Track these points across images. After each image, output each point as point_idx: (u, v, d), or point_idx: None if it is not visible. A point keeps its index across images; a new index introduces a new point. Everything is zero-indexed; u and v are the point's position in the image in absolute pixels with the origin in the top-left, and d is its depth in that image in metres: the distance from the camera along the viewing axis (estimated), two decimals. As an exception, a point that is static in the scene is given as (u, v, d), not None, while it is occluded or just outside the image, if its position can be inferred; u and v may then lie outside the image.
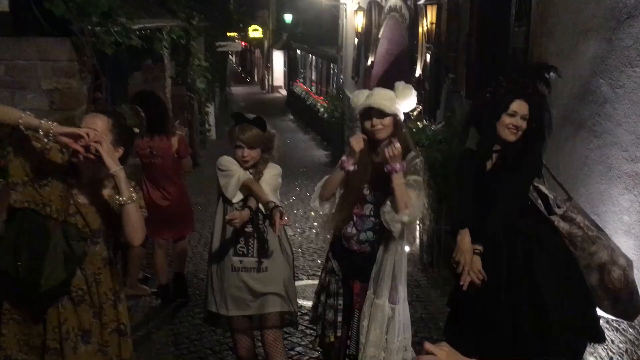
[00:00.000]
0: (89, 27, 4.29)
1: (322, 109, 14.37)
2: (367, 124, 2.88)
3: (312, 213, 7.52)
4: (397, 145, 2.71)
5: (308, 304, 4.16)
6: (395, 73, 8.33)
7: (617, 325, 3.17)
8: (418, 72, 7.06)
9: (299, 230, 7.07)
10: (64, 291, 2.45)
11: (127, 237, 2.46)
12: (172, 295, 4.74)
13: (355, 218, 2.95)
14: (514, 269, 2.74)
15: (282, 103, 22.81)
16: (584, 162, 3.44)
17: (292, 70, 23.43)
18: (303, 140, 15.61)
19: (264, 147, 3.13)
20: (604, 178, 3.25)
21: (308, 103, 16.52)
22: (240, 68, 41.71)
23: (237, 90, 29.32)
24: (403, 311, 2.95)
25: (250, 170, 3.12)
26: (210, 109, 13.89)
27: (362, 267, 2.95)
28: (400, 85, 2.92)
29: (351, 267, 3.01)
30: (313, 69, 19.26)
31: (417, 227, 5.95)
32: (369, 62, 9.98)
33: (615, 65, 3.15)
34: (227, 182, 3.10)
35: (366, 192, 2.95)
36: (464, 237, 2.75)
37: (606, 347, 3.25)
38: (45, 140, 2.31)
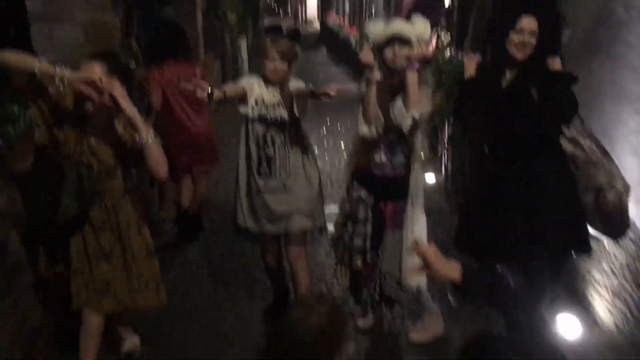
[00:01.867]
0: (122, -38, 4.44)
1: (354, 42, 14.25)
2: (389, 53, 3.01)
3: (342, 144, 7.72)
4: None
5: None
6: (425, 4, 8.24)
7: (620, 243, 3.32)
8: (447, 2, 7.02)
9: (328, 161, 7.26)
10: (84, 221, 2.72)
11: (152, 172, 2.70)
12: (189, 226, 4.96)
13: (383, 147, 3.13)
14: (519, 184, 2.89)
15: (315, 36, 22.62)
16: (598, 86, 3.50)
17: (326, 2, 23.10)
18: (335, 74, 15.57)
19: (292, 61, 3.24)
20: (616, 101, 3.33)
21: (341, 36, 16.38)
22: (274, 3, 41.09)
23: (268, 21, 29.06)
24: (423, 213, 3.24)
25: (276, 91, 3.26)
26: (242, 43, 13.93)
27: (394, 189, 3.18)
28: (417, 17, 3.03)
29: (385, 192, 3.21)
30: (346, 0, 18.97)
31: (444, 156, 6.12)
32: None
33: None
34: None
35: (393, 119, 3.10)
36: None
37: (609, 262, 3.42)
38: (61, 86, 2.51)
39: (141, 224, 2.91)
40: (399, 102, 3.02)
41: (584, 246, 2.98)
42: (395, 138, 3.11)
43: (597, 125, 3.45)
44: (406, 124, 3.00)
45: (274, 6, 39.47)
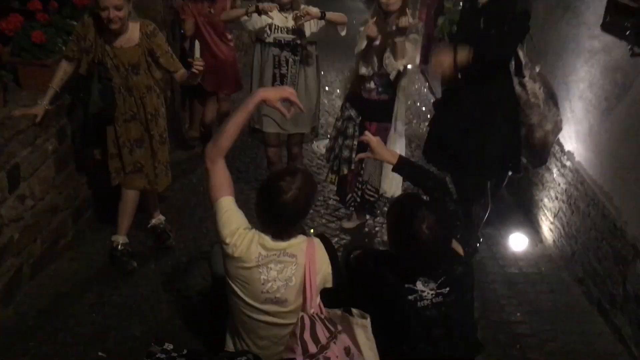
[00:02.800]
0: None
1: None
2: None
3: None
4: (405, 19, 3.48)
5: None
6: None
7: (562, 172, 3.97)
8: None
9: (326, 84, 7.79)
10: (111, 114, 3.43)
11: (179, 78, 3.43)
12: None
13: (374, 76, 3.77)
14: (478, 113, 3.53)
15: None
16: (564, 40, 4.07)
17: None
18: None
19: None
20: (574, 52, 3.90)
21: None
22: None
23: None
24: (403, 136, 3.90)
25: (289, 15, 3.95)
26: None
27: (378, 111, 3.82)
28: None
29: (370, 112, 3.86)
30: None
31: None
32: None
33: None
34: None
35: (381, 54, 3.73)
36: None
37: (554, 189, 4.07)
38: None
39: (162, 115, 3.63)
40: (388, 53, 3.64)
41: (516, 168, 3.64)
42: (385, 73, 3.74)
43: (559, 74, 4.07)
44: (392, 73, 3.64)
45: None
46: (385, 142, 3.69)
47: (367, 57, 3.73)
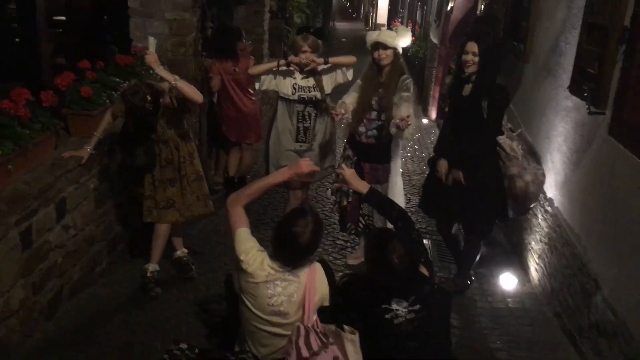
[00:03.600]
0: (201, -28, 5.73)
1: (412, 50, 15.32)
2: (375, 54, 4.16)
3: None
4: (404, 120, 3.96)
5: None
6: (470, 19, 9.26)
7: (545, 217, 4.39)
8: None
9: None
10: (152, 168, 4.01)
11: (191, 100, 3.92)
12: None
13: (365, 121, 4.30)
14: (465, 170, 4.01)
15: (381, 41, 23.71)
16: (547, 100, 4.55)
17: (393, 9, 24.15)
18: (392, 78, 16.68)
19: (317, 51, 4.44)
20: (554, 110, 4.37)
21: (401, 42, 17.43)
22: (348, 4, 42.38)
23: (341, 25, 30.36)
24: (399, 175, 4.35)
25: (309, 76, 4.48)
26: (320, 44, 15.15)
27: (369, 153, 4.33)
28: (400, 27, 4.20)
29: (362, 154, 4.38)
30: (408, 9, 19.98)
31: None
32: (449, 7, 10.87)
33: (569, 25, 4.20)
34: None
35: (373, 103, 4.26)
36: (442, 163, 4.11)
37: (539, 233, 4.48)
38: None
39: (193, 157, 4.17)
40: (394, 127, 4.11)
41: (504, 217, 4.09)
42: (373, 118, 4.26)
43: (543, 129, 4.54)
44: (402, 137, 4.15)
45: (349, 9, 40.96)
46: (379, 180, 4.21)
47: (356, 109, 4.28)
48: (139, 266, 4.34)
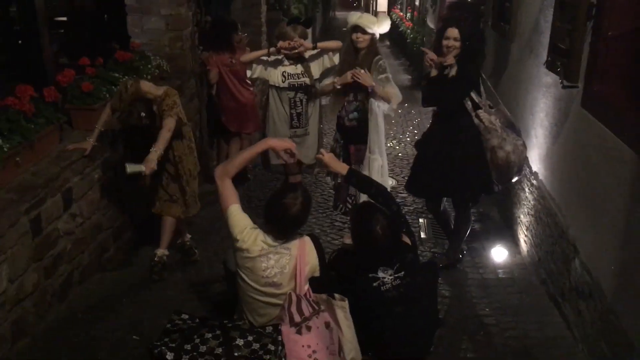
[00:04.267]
0: (194, -33, 5.91)
1: (411, 35, 15.43)
2: (354, 36, 4.33)
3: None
4: (358, 70, 4.15)
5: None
6: (463, 3, 9.40)
7: (530, 190, 4.56)
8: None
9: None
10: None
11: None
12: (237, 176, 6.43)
13: (345, 104, 4.48)
14: (447, 145, 4.19)
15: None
16: (530, 78, 4.72)
17: (392, -2, 24.24)
18: (393, 65, 16.71)
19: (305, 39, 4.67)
20: (536, 87, 4.54)
21: (400, 30, 17.54)
22: (349, -7, 42.36)
23: (342, 14, 30.38)
24: (382, 156, 4.48)
25: (292, 62, 4.67)
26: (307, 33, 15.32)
27: (353, 135, 4.51)
28: (381, 14, 4.36)
29: (347, 136, 4.57)
30: (407, -3, 20.09)
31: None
32: (444, -8, 11.00)
33: (547, 4, 4.35)
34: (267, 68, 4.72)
35: (350, 87, 4.43)
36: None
37: (527, 205, 4.66)
38: None
39: (186, 155, 4.32)
40: (383, 104, 4.26)
41: (489, 189, 4.27)
42: (351, 99, 4.44)
43: (528, 105, 4.72)
44: (392, 111, 4.33)
45: (349, -2, 40.99)
46: (361, 160, 4.39)
47: (335, 93, 4.48)
48: (145, 252, 4.57)
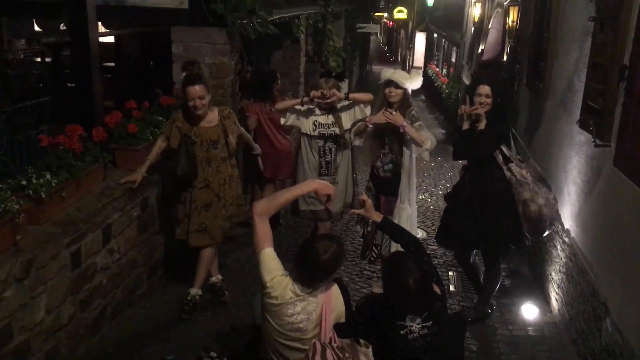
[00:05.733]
0: (238, 20, 6.19)
1: (446, 91, 15.62)
2: (387, 91, 4.47)
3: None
4: (390, 111, 4.28)
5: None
6: (494, 62, 9.56)
7: (562, 248, 4.54)
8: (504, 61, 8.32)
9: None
10: (195, 176, 4.32)
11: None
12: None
13: (381, 156, 4.58)
14: (477, 197, 4.24)
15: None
16: (563, 135, 4.76)
17: (429, 53, 24.60)
18: (428, 119, 16.88)
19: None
20: (569, 145, 4.58)
21: (436, 85, 17.78)
22: (386, 47, 43.18)
23: (378, 68, 30.93)
24: (412, 206, 4.55)
25: (329, 114, 4.82)
26: (344, 85, 15.63)
27: (385, 186, 4.59)
28: (413, 71, 4.51)
29: (379, 186, 4.65)
30: (443, 52, 20.38)
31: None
32: (480, 50, 11.18)
33: (582, 65, 4.43)
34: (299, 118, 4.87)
35: (385, 138, 4.54)
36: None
37: (558, 263, 4.63)
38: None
39: (233, 181, 4.49)
40: (414, 147, 4.40)
41: (519, 242, 4.27)
42: (386, 151, 4.54)
43: (560, 163, 4.75)
44: (425, 155, 4.42)
45: (387, 53, 41.73)
46: (392, 212, 4.44)
47: (371, 144, 4.57)
48: (176, 290, 4.67)
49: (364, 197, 3.54)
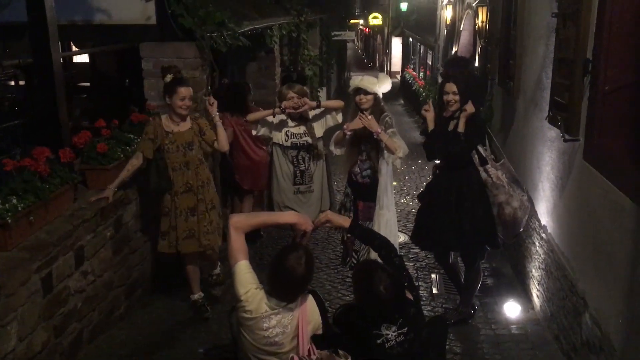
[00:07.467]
0: (207, 34, 6.15)
1: (423, 94, 15.68)
2: (357, 98, 4.45)
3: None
4: (365, 114, 4.27)
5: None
6: (457, 59, 9.62)
7: (540, 244, 4.54)
8: (477, 62, 8.37)
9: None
10: (169, 187, 4.32)
11: (220, 143, 4.44)
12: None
13: (358, 162, 4.56)
14: (453, 198, 4.23)
15: (395, 88, 24.20)
16: (535, 132, 4.78)
17: (405, 57, 24.75)
18: (406, 123, 16.96)
19: (307, 97, 4.81)
20: (541, 141, 4.59)
21: (413, 88, 17.86)
22: (364, 54, 43.36)
23: (357, 75, 31.09)
24: (390, 211, 4.50)
25: (296, 122, 4.80)
26: (322, 94, 15.62)
27: (363, 192, 4.56)
28: (381, 74, 4.50)
29: (358, 192, 4.62)
30: (419, 56, 20.50)
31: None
32: (453, 51, 11.26)
33: (548, 61, 4.45)
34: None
35: (362, 145, 4.53)
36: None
37: (537, 260, 4.62)
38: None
39: (211, 183, 4.47)
40: (386, 153, 4.35)
41: (494, 243, 4.26)
42: (364, 158, 4.52)
43: (534, 160, 4.76)
44: (397, 163, 4.37)
45: (364, 59, 41.90)
46: (371, 217, 4.42)
47: (349, 150, 4.57)
48: (156, 310, 4.59)
49: (323, 216, 3.43)
